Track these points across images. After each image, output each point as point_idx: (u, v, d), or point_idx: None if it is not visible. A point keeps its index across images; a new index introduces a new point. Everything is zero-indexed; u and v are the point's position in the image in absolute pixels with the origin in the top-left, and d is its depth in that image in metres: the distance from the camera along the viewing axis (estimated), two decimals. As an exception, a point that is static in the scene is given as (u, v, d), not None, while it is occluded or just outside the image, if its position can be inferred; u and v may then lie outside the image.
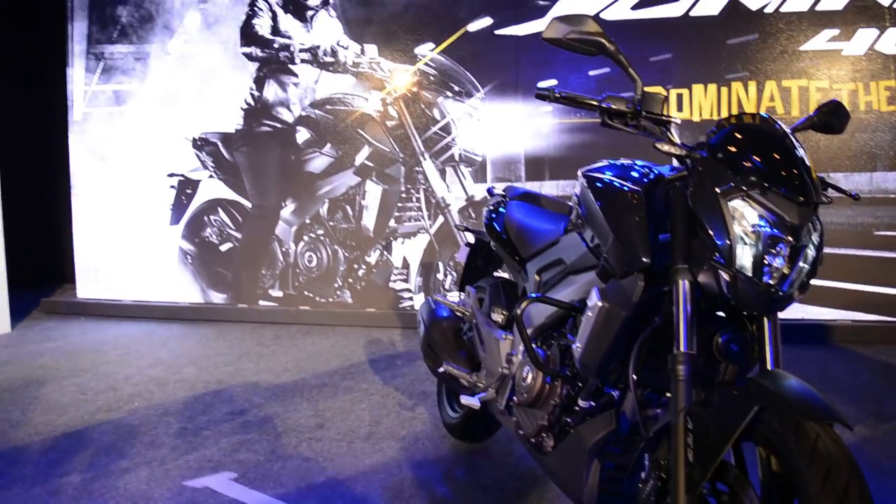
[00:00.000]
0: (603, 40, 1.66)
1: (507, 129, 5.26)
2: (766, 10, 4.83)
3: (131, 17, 6.01)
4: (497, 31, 5.21)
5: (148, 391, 3.92)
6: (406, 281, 5.46)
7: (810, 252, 1.54)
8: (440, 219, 5.33)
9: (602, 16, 5.01)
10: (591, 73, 4.93)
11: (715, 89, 4.92)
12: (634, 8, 5.00)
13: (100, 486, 2.71)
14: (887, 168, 4.72)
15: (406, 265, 5.46)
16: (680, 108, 4.94)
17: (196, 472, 2.83)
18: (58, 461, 2.96)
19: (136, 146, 6.06)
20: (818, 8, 4.77)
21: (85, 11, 6.12)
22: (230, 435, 3.22)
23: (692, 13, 4.93)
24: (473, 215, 5.24)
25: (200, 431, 3.27)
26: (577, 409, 1.95)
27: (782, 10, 4.81)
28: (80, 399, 3.78)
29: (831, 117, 1.98)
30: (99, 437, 3.24)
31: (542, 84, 4.97)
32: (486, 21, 5.22)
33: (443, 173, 5.32)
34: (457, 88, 5.28)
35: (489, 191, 3.00)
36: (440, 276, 5.36)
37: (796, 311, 4.72)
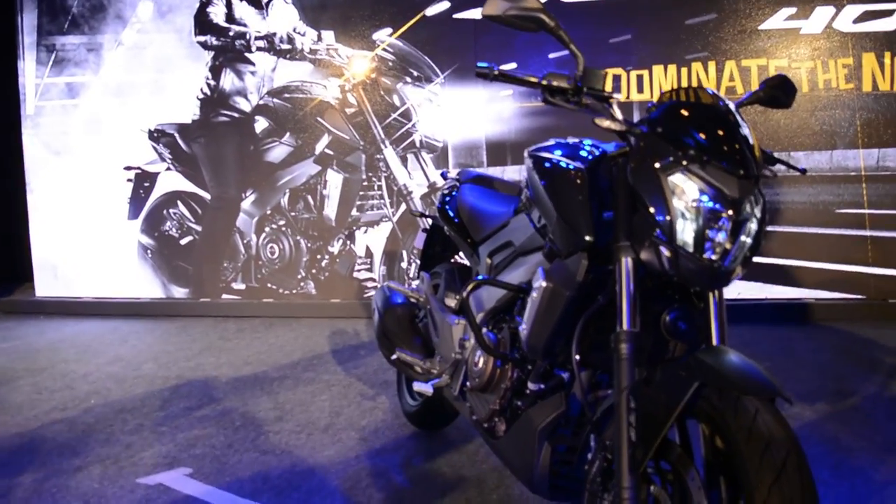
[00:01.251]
0: (543, 16, 1.62)
1: (468, 115, 5.21)
2: (724, -10, 4.83)
3: (82, 6, 5.87)
4: (455, 15, 5.15)
5: (105, 389, 3.84)
6: (370, 270, 5.41)
7: (752, 226, 1.52)
8: (403, 206, 5.28)
9: (561, -2, 4.98)
10: (552, 55, 4.88)
11: (675, 70, 4.91)
12: (593, -11, 4.97)
13: (51, 485, 2.65)
14: (847, 146, 4.74)
15: (369, 254, 5.41)
16: (640, 90, 4.93)
17: (150, 469, 2.77)
18: (9, 462, 2.89)
19: (91, 139, 5.93)
20: (776, -13, 4.77)
21: (34, 2, 5.98)
22: (187, 430, 3.16)
23: (651, -6, 4.92)
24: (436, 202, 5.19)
25: (157, 428, 3.21)
26: (527, 392, 1.92)
27: (740, -11, 4.81)
28: (34, 398, 3.70)
29: (777, 91, 1.96)
30: (53, 436, 3.17)
31: (505, 67, 4.91)
32: (443, 5, 5.16)
33: (404, 160, 5.27)
34: (416, 74, 5.22)
35: (443, 175, 2.96)
36: (404, 264, 5.31)
37: (761, 291, 4.76)
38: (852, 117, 4.72)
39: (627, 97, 4.92)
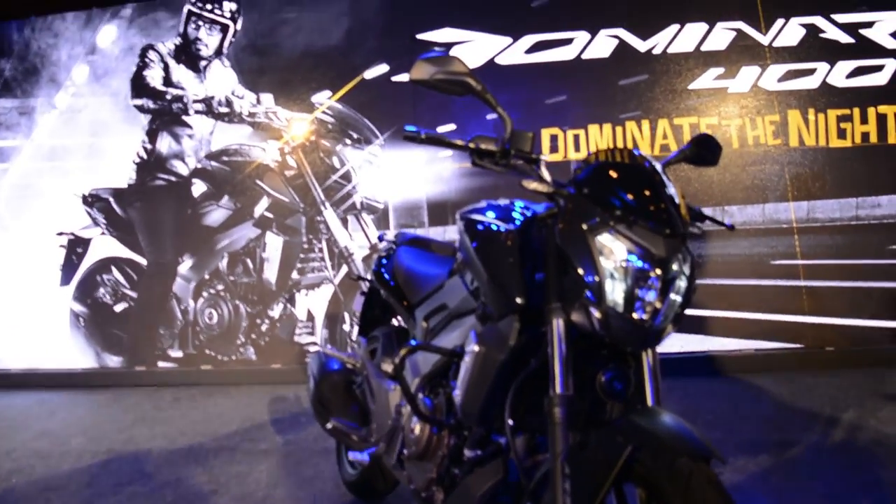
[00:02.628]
0: (470, 80, 1.63)
1: (408, 175, 5.22)
2: (655, 52, 4.97)
3: (15, 70, 5.77)
4: (393, 78, 5.20)
5: (29, 466, 3.65)
6: (311, 334, 5.30)
7: (681, 284, 1.52)
8: (344, 268, 5.23)
9: (497, 60, 5.06)
10: (489, 116, 4.94)
11: (610, 129, 5.01)
12: (528, 52, 5.07)
13: (-39, 577, 2.48)
14: (778, 199, 4.87)
15: (311, 317, 5.31)
16: (577, 149, 5.00)
17: (73, 554, 2.61)
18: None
19: (22, 204, 5.76)
20: (703, 48, 4.93)
21: (-36, 66, 5.85)
22: (115, 509, 3.01)
23: (584, 56, 5.03)
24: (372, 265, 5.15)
25: (82, 507, 3.05)
26: (464, 459, 1.87)
27: (669, 51, 4.96)
28: (-49, 480, 3.49)
29: (703, 149, 1.99)
30: (-32, 521, 2.99)
31: (442, 128, 4.97)
32: (382, 68, 5.21)
33: (345, 222, 5.23)
34: (355, 136, 5.22)
35: (380, 237, 2.94)
36: (346, 326, 5.23)
37: (702, 343, 4.80)
38: (781, 171, 4.86)
39: (565, 156, 4.99)
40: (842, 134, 4.85)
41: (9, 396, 5.33)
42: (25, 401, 5.17)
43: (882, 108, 4.80)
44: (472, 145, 1.67)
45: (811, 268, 4.85)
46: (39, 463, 3.68)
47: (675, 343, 4.70)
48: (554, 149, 4.99)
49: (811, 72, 4.87)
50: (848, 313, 4.80)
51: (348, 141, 5.23)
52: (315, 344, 5.26)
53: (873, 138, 4.80)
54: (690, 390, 4.14)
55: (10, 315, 5.78)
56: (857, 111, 4.82)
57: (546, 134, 5.03)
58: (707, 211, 1.91)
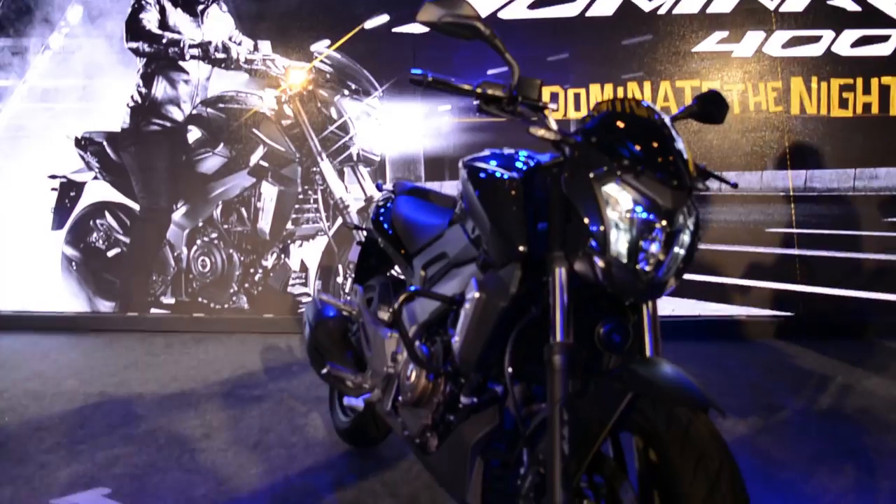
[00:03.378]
0: (478, 24, 1.60)
1: (406, 129, 5.17)
2: (660, 12, 4.91)
3: (7, 9, 5.65)
4: (394, 29, 5.12)
5: (22, 406, 3.65)
6: (305, 285, 5.30)
7: (685, 238, 1.51)
8: (339, 220, 5.20)
9: (499, 15, 4.99)
10: (490, 71, 4.88)
11: (611, 88, 4.97)
12: (531, 7, 5.00)
13: (-46, 509, 2.49)
14: (777, 167, 4.86)
15: (304, 268, 5.30)
16: (578, 108, 4.97)
17: (66, 489, 2.63)
18: None
19: (14, 146, 5.69)
20: (709, 10, 4.87)
21: (-44, 3, 5.73)
22: (107, 449, 3.02)
23: (588, 13, 4.97)
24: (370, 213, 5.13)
25: (75, 447, 3.06)
26: (460, 406, 1.88)
27: (675, 11, 4.89)
28: (-58, 417, 3.50)
29: (710, 106, 1.97)
30: (-39, 457, 3.00)
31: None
32: (382, 18, 5.13)
33: (341, 174, 5.19)
34: (354, 87, 5.16)
35: (378, 186, 2.92)
36: (340, 279, 5.22)
37: (694, 308, 4.83)
38: (781, 139, 4.84)
39: (565, 115, 4.96)
40: (844, 103, 4.82)
41: (1, 338, 5.32)
42: (17, 342, 5.16)
43: (885, 79, 4.77)
44: (479, 90, 1.65)
45: (806, 237, 4.86)
46: (32, 403, 3.69)
47: (667, 306, 4.72)
48: (554, 105, 4.94)
49: (816, 39, 4.83)
50: (840, 284, 4.83)
51: (346, 91, 5.17)
52: (308, 295, 5.26)
53: (875, 109, 4.78)
54: (680, 353, 4.13)
55: (1, 257, 5.74)
56: (860, 81, 4.79)
57: (546, 92, 4.98)
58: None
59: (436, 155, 5.15)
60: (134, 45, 5.40)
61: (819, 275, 4.83)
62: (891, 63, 4.76)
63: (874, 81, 4.78)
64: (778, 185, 4.87)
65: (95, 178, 5.55)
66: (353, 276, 3.05)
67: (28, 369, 4.37)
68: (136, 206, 5.50)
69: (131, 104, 5.43)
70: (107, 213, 5.55)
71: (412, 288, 2.12)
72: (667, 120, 1.58)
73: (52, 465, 2.86)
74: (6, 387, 3.99)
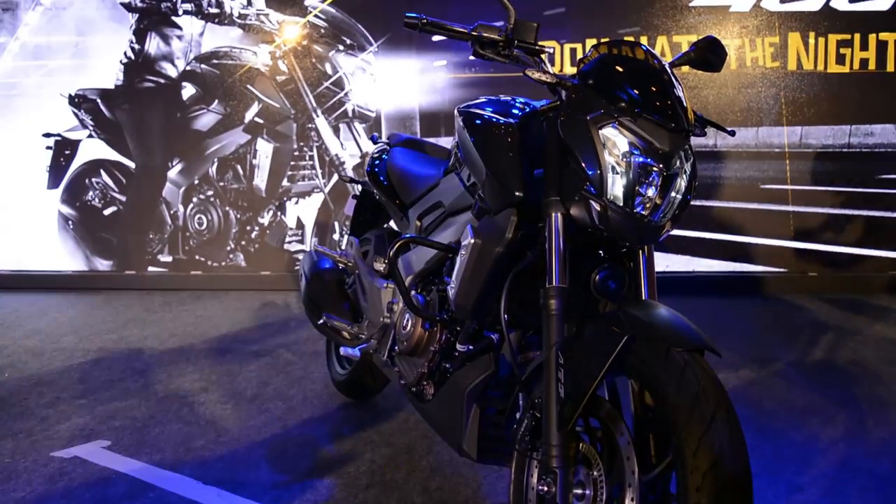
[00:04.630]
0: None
1: (402, 84, 5.14)
2: (658, -34, 4.86)
3: (-4, -36, 5.58)
4: (389, -17, 5.06)
5: (21, 362, 3.68)
6: (301, 242, 5.31)
7: (682, 182, 1.52)
8: (335, 177, 5.19)
9: (496, -32, 4.92)
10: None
11: (608, 44, 4.92)
12: (528, -39, 4.94)
13: (-43, 460, 2.52)
14: (773, 123, 4.84)
15: (301, 225, 5.31)
16: (574, 63, 4.93)
17: (66, 442, 2.66)
18: (-89, 437, 2.74)
19: (7, 104, 5.65)
20: (707, -36, 4.82)
21: (-56, -43, 5.64)
22: (106, 403, 3.05)
23: (585, -33, 4.91)
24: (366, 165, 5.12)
25: (75, 401, 3.09)
26: (455, 354, 1.90)
27: (673, -35, 4.84)
28: (-57, 372, 3.53)
29: (708, 53, 1.94)
30: (-39, 410, 3.03)
31: (435, 40, 4.87)
32: (378, -28, 5.07)
33: (336, 130, 5.17)
34: (349, 42, 5.11)
35: (373, 138, 2.91)
36: (336, 235, 5.23)
37: (688, 264, 4.85)
38: (777, 95, 4.82)
39: (561, 70, 4.92)
40: (840, 59, 4.79)
41: (-2, 296, 5.35)
42: (15, 301, 5.18)
43: (883, 35, 4.74)
44: (474, 33, 1.64)
45: (800, 193, 4.87)
46: (32, 360, 3.71)
47: (661, 262, 4.74)
48: (550, 61, 4.90)
49: (815, -7, 4.79)
50: (833, 240, 4.85)
51: (341, 47, 5.12)
52: (304, 252, 5.27)
53: (872, 65, 4.75)
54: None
55: (-4, 215, 5.74)
56: (857, 37, 4.76)
57: (540, 27, 4.92)
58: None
59: (431, 110, 5.13)
60: (126, 0, 5.33)
61: (811, 231, 4.85)
62: (889, 18, 4.72)
63: (872, 37, 4.75)
64: (773, 142, 4.86)
65: (90, 136, 5.52)
66: (348, 229, 3.05)
67: (27, 327, 4.40)
68: (131, 164, 5.49)
69: (124, 61, 5.39)
70: (102, 172, 5.53)
71: (407, 235, 2.13)
72: (665, 65, 1.57)
73: (53, 419, 2.89)
74: (6, 344, 4.01)
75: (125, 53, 5.39)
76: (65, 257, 5.67)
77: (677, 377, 1.28)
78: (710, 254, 4.86)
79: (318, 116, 5.12)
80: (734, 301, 4.60)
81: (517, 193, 1.59)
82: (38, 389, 3.25)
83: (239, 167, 5.31)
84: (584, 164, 1.48)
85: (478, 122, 1.76)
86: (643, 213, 1.47)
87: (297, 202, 5.29)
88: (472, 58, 1.74)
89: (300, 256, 5.29)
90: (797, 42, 4.81)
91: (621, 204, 1.46)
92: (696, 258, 4.87)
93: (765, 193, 4.89)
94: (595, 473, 1.42)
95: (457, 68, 5.03)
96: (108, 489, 2.29)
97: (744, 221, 4.89)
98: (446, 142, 5.05)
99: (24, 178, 5.65)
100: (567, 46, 4.93)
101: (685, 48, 4.83)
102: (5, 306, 5.03)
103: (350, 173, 5.13)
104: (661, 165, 1.46)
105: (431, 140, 5.00)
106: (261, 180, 5.28)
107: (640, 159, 1.45)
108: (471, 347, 1.85)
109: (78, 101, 5.50)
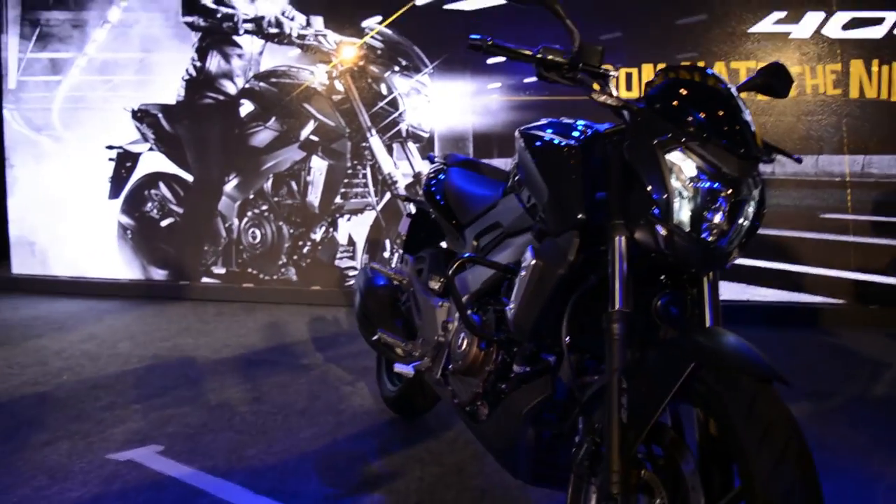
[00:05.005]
0: (540, -12, 1.59)
1: (456, 106, 5.17)
2: (716, -8, 4.82)
3: (69, -18, 5.79)
4: (446, 6, 5.11)
5: (79, 365, 3.78)
6: (352, 258, 5.36)
7: (750, 209, 1.49)
8: (387, 195, 5.24)
9: (553, -8, 4.94)
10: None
11: (664, 69, 4.89)
12: (585, -16, 4.94)
13: (17, 458, 2.59)
14: (833, 151, 4.75)
15: (352, 242, 5.36)
16: (630, 88, 4.91)
17: (121, 446, 2.71)
18: (-25, 435, 2.82)
19: (73, 116, 5.84)
20: (766, -9, 4.77)
21: (19, -24, 5.88)
22: (160, 409, 3.11)
23: (643, -9, 4.90)
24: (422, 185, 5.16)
25: (130, 405, 3.15)
26: (511, 375, 1.88)
27: (731, -9, 4.80)
28: (6, 373, 3.64)
29: (773, 79, 1.92)
30: (22, 410, 3.12)
31: (491, 62, 4.89)
32: (435, -6, 5.13)
33: (390, 149, 5.22)
34: (405, 63, 5.17)
35: (430, 158, 2.93)
36: (387, 253, 5.27)
37: (743, 292, 4.76)
38: (839, 123, 4.73)
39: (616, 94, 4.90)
40: (905, 87, 4.69)
41: (58, 302, 5.49)
42: (73, 306, 5.32)
43: (948, 64, 4.63)
44: (539, 56, 1.64)
45: (861, 223, 4.75)
46: (88, 363, 3.81)
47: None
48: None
49: (878, 21, 4.69)
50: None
51: (397, 68, 5.19)
52: (355, 269, 5.32)
53: (937, 94, 4.64)
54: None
55: (59, 224, 5.92)
56: (922, 65, 4.65)
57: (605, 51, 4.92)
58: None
59: (484, 132, 5.15)
60: (189, 19, 5.49)
61: (873, 262, 4.72)
62: (954, 47, 4.62)
63: (937, 65, 4.64)
64: (834, 170, 4.76)
65: (151, 149, 5.68)
66: (402, 246, 3.07)
67: (84, 332, 4.51)
68: (189, 178, 5.62)
69: (186, 77, 5.53)
70: (161, 184, 5.67)
71: (466, 255, 2.13)
72: (733, 90, 1.56)
73: (108, 422, 2.95)
74: (63, 347, 4.12)
75: (187, 70, 5.54)
76: (122, 266, 5.81)
77: (746, 408, 1.24)
78: (766, 283, 4.76)
79: (372, 135, 5.19)
80: (789, 332, 4.49)
81: (579, 216, 1.59)
82: (94, 393, 3.33)
83: (293, 183, 5.40)
84: (649, 188, 1.46)
85: (539, 143, 1.76)
86: (710, 238, 1.45)
87: (349, 219, 5.35)
88: (533, 80, 1.74)
89: (350, 273, 5.33)
90: (860, 69, 4.71)
91: (688, 229, 1.44)
92: (752, 286, 4.78)
93: (825, 223, 4.79)
94: (657, 502, 1.39)
95: (511, 91, 5.05)
96: (161, 493, 2.32)
97: (802, 251, 4.79)
98: (499, 164, 5.06)
99: (86, 188, 5.82)
100: (623, 71, 4.91)
101: (743, 75, 4.81)
102: (64, 310, 5.17)
103: (402, 192, 5.18)
104: (729, 191, 1.44)
105: (485, 162, 5.06)
106: (314, 197, 5.35)
107: (708, 184, 1.43)
108: (527, 369, 1.84)
109: (140, 116, 5.66)
